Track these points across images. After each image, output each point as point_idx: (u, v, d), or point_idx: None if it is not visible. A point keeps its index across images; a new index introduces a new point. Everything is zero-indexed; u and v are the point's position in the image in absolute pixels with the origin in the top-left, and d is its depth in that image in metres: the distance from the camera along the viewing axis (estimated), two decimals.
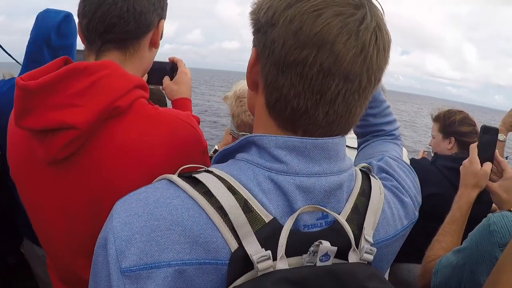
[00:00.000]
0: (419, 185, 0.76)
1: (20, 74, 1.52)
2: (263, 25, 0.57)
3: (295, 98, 0.55)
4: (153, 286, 0.49)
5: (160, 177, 0.59)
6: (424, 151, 2.68)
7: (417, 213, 0.72)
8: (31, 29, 1.54)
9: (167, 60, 1.25)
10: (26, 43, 1.54)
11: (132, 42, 0.82)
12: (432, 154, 2.10)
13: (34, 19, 1.53)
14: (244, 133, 1.39)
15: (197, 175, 0.56)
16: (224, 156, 0.64)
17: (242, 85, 1.40)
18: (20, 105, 0.70)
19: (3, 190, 1.68)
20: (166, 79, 1.22)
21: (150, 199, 0.54)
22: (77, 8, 0.81)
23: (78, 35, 0.83)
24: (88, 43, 0.81)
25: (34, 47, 1.44)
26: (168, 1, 0.89)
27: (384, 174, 0.73)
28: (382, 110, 0.97)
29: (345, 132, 0.61)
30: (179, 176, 0.57)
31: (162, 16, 0.86)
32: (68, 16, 1.48)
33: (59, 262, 0.87)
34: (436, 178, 1.84)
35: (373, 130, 0.99)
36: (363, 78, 0.55)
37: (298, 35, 0.53)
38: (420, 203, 0.74)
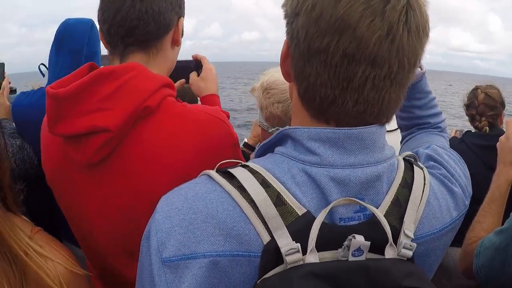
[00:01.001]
0: (469, 174, 0.72)
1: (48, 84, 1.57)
2: (289, 16, 0.57)
3: (322, 87, 0.54)
4: (190, 276, 0.51)
5: (202, 172, 0.61)
6: (456, 131, 2.59)
7: (467, 204, 0.67)
8: (50, 38, 1.58)
9: (191, 58, 1.26)
10: (49, 52, 1.59)
11: (154, 42, 0.83)
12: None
13: (55, 29, 1.56)
14: (272, 128, 1.37)
15: (231, 170, 0.56)
16: (264, 151, 0.64)
17: (269, 76, 1.37)
18: (52, 113, 0.73)
19: (42, 195, 1.75)
20: (193, 75, 1.23)
21: (189, 193, 0.56)
22: (94, 15, 0.83)
23: (100, 41, 0.85)
24: (111, 47, 0.83)
25: (73, 58, 1.49)
26: None
27: (431, 162, 0.68)
28: (428, 101, 0.94)
29: (381, 120, 0.58)
30: (217, 171, 0.58)
31: (180, 14, 0.87)
32: (93, 23, 1.52)
33: (100, 262, 0.89)
34: (467, 158, 1.79)
35: (418, 123, 0.96)
36: (393, 62, 0.52)
37: (319, 22, 0.52)
38: (471, 194, 0.69)
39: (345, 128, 0.55)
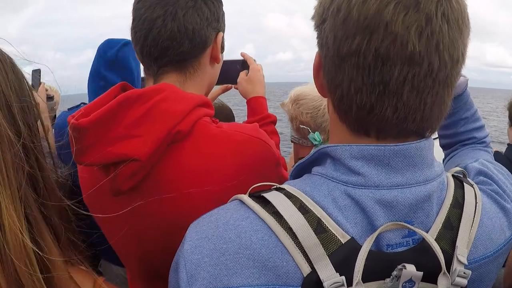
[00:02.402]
0: None
1: None
2: (318, 25, 0.54)
3: (357, 94, 0.50)
4: None
5: (233, 197, 0.57)
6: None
7: None
8: (85, 62, 1.63)
9: (239, 57, 1.21)
10: (86, 76, 1.63)
11: (190, 62, 0.78)
12: None
13: (89, 53, 1.61)
14: (302, 126, 1.36)
15: (265, 194, 0.52)
16: (300, 171, 0.60)
17: (297, 89, 1.39)
18: (76, 144, 0.67)
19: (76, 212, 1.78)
20: (243, 74, 1.17)
21: (220, 221, 0.52)
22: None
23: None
24: (146, 68, 0.80)
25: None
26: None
27: (482, 178, 0.63)
28: (473, 113, 0.87)
29: (424, 129, 0.52)
30: (249, 195, 0.54)
31: (219, 28, 0.81)
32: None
33: (139, 283, 0.87)
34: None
35: (462, 139, 0.88)
36: (433, 58, 0.47)
37: (346, 23, 0.48)
38: None
39: (391, 144, 0.50)
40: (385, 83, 0.48)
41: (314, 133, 1.30)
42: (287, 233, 0.48)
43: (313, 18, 0.56)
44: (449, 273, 0.48)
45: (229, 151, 0.72)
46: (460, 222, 0.52)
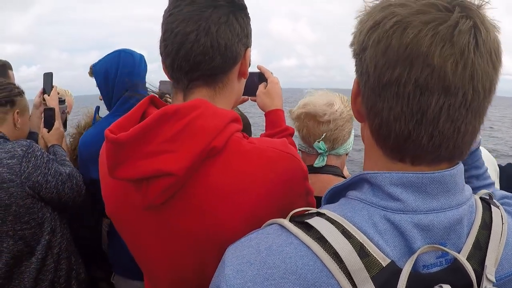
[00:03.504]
0: None
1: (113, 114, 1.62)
2: (357, 53, 0.56)
3: (396, 122, 0.52)
4: None
5: (270, 221, 0.58)
6: None
7: None
8: (92, 63, 1.65)
9: (255, 70, 1.22)
10: (91, 77, 1.66)
11: (220, 77, 0.78)
12: None
13: (96, 54, 1.64)
14: (309, 149, 1.35)
15: (309, 221, 0.54)
16: (335, 194, 0.62)
17: (307, 99, 1.39)
18: (112, 158, 0.68)
19: (90, 230, 1.79)
20: (262, 87, 1.19)
21: (261, 246, 0.53)
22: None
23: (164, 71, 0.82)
24: (175, 82, 0.79)
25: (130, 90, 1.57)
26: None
27: (506, 200, 0.68)
28: (484, 171, 0.92)
29: (456, 157, 0.55)
30: (290, 220, 0.56)
31: (247, 44, 0.82)
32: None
33: None
34: None
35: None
36: (468, 89, 0.49)
37: (387, 53, 0.51)
38: None
39: (428, 172, 0.53)
40: (422, 112, 0.50)
41: (319, 142, 1.30)
42: (332, 258, 0.50)
43: (351, 45, 0.58)
44: None
45: (263, 167, 0.72)
46: (488, 242, 0.55)
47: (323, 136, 1.30)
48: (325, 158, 1.32)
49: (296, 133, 1.43)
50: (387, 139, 0.55)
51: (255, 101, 1.22)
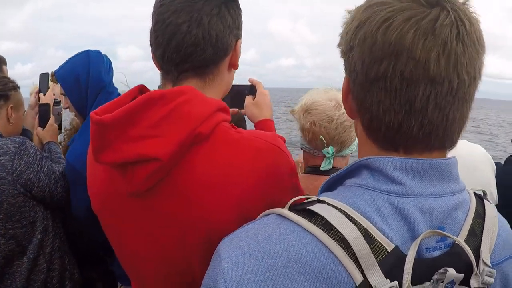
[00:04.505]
0: None
1: None
2: (345, 52, 0.59)
3: (385, 114, 0.55)
4: None
5: (267, 211, 0.58)
6: None
7: None
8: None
9: (247, 82, 1.23)
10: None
11: (210, 68, 0.78)
12: None
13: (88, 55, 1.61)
14: (314, 150, 1.32)
15: (312, 207, 0.53)
16: (332, 184, 0.62)
17: (308, 97, 1.35)
18: (97, 140, 0.68)
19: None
20: (249, 99, 1.20)
21: (260, 236, 0.53)
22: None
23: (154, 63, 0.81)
24: (165, 73, 0.79)
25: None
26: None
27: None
28: None
29: (445, 144, 0.58)
30: (290, 209, 0.55)
31: (238, 36, 0.82)
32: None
33: None
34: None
35: None
36: (453, 77, 0.52)
37: (373, 50, 0.53)
38: None
39: (428, 158, 0.55)
40: (410, 103, 0.53)
41: (328, 147, 1.27)
42: (338, 244, 0.50)
43: (339, 45, 0.61)
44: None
45: (251, 157, 0.71)
46: (482, 230, 0.58)
47: (334, 139, 1.27)
48: (332, 161, 1.29)
49: (299, 132, 1.41)
50: (379, 132, 0.57)
51: (245, 114, 1.23)
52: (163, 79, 0.80)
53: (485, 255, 0.55)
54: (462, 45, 0.52)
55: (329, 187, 0.63)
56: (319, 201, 0.55)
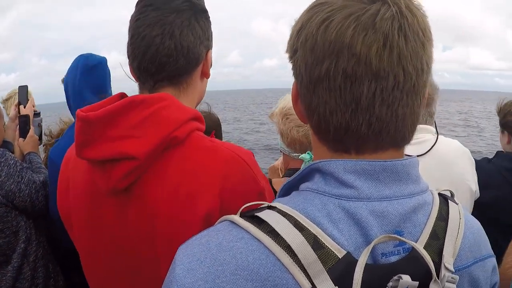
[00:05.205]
0: None
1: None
2: (290, 56, 0.58)
3: (332, 115, 0.53)
4: None
5: (222, 218, 0.56)
6: None
7: None
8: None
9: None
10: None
11: (184, 77, 0.83)
12: None
13: (74, 60, 1.58)
14: (294, 154, 1.35)
15: (259, 214, 0.52)
16: (289, 189, 0.60)
17: (287, 102, 1.37)
18: (81, 136, 0.72)
19: None
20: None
21: (212, 243, 0.52)
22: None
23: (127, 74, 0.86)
24: (141, 82, 0.84)
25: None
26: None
27: None
28: None
29: (398, 140, 0.55)
30: (241, 216, 0.54)
31: (209, 46, 0.87)
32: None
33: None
34: (496, 182, 1.71)
35: None
36: (398, 71, 0.50)
37: (315, 50, 0.52)
38: None
39: (381, 160, 0.53)
40: (356, 101, 0.51)
41: (306, 153, 1.30)
42: (285, 251, 0.48)
43: (286, 51, 0.60)
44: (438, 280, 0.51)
45: (220, 166, 0.74)
46: (445, 233, 0.55)
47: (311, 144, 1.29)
48: None
49: (278, 135, 1.43)
50: (328, 134, 0.55)
51: None
52: (140, 89, 0.85)
53: (447, 259, 0.53)
54: (405, 38, 0.50)
55: (286, 191, 0.61)
56: (269, 207, 0.54)
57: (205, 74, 0.89)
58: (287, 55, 0.60)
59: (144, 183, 0.74)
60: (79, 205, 0.83)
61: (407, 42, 0.50)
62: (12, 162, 1.47)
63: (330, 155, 0.57)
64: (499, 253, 1.12)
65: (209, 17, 0.87)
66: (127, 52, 0.83)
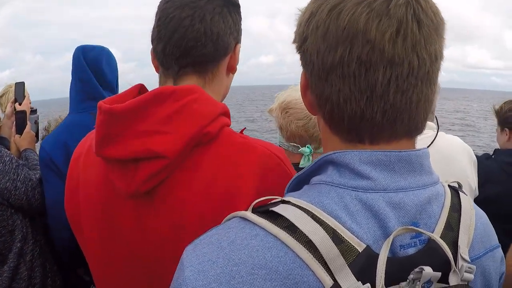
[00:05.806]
0: None
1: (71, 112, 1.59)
2: (299, 46, 0.56)
3: (346, 103, 0.52)
4: None
5: (230, 215, 0.54)
6: None
7: None
8: (66, 65, 1.63)
9: None
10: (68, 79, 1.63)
11: (210, 66, 0.78)
12: None
13: (71, 56, 1.59)
14: (294, 144, 1.34)
15: (274, 209, 0.50)
16: (299, 183, 0.58)
17: (286, 96, 1.36)
18: (102, 131, 0.65)
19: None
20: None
21: (223, 241, 0.49)
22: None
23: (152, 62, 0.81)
24: (165, 68, 0.78)
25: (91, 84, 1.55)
26: None
27: None
28: None
29: (411, 130, 0.55)
30: (253, 211, 0.52)
31: (238, 40, 0.83)
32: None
33: None
34: (498, 177, 1.71)
35: None
36: (412, 57, 0.50)
37: (327, 37, 0.51)
38: None
39: (396, 150, 0.52)
40: (371, 88, 0.50)
41: (306, 146, 1.29)
42: (304, 246, 0.46)
43: (294, 41, 0.58)
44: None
45: (255, 163, 0.69)
46: (459, 224, 0.55)
47: (313, 136, 1.28)
48: (311, 158, 1.31)
49: (277, 131, 1.42)
50: (341, 123, 0.54)
51: None
52: (163, 76, 0.79)
53: (463, 250, 0.52)
54: (419, 24, 0.50)
55: (295, 186, 0.59)
56: (283, 201, 0.51)
57: (232, 69, 0.84)
58: (294, 45, 0.59)
59: (170, 185, 0.67)
60: (91, 208, 0.76)
61: (421, 28, 0.50)
62: (8, 159, 1.44)
63: (343, 146, 0.55)
64: (502, 249, 1.12)
65: (240, 13, 0.83)
66: (152, 35, 0.78)
